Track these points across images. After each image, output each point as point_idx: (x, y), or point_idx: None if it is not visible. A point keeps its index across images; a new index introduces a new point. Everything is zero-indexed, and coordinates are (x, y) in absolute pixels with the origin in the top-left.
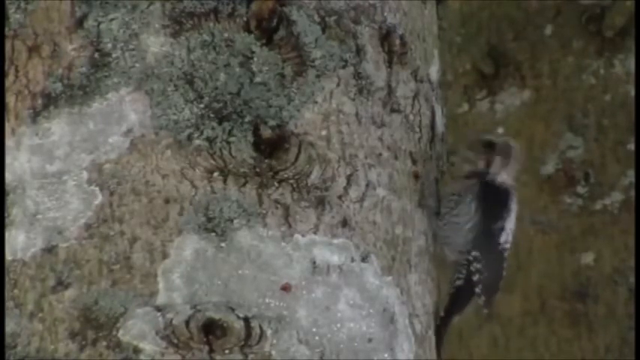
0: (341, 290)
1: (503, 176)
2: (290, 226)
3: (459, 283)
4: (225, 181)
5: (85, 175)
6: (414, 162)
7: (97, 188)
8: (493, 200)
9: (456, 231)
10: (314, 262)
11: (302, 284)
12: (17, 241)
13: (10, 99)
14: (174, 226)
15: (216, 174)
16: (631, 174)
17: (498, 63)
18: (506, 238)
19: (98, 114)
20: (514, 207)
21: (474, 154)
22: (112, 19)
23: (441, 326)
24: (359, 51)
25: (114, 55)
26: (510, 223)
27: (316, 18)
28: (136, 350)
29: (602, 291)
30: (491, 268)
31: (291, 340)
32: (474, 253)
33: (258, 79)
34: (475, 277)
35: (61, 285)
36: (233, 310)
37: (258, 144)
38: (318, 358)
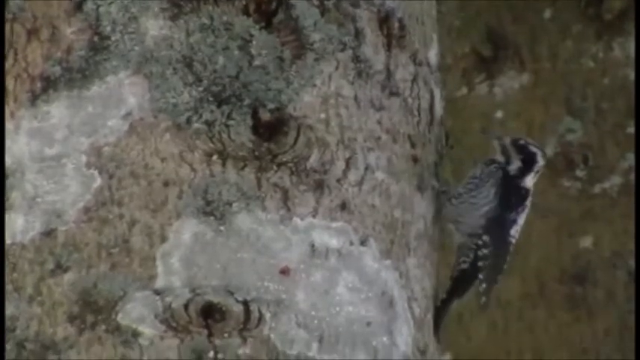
0: (340, 274)
1: (526, 181)
2: (289, 209)
3: (464, 266)
4: (224, 165)
5: (83, 158)
6: (413, 145)
7: (95, 171)
8: (512, 191)
9: (470, 212)
10: (313, 246)
11: (301, 268)
12: (16, 224)
13: (9, 82)
14: (173, 210)
15: (215, 157)
16: (630, 157)
17: (497, 46)
18: (516, 231)
19: (97, 97)
20: (528, 206)
21: (499, 146)
22: (110, 3)
23: (441, 309)
24: (358, 34)
25: (113, 39)
26: (522, 220)
27: (315, 1)
28: (135, 334)
29: (601, 274)
30: (496, 257)
31: (290, 324)
32: (484, 238)
33: (257, 63)
34: (481, 263)
35: (60, 268)
36: (232, 293)
37: (257, 127)
38: (316, 341)
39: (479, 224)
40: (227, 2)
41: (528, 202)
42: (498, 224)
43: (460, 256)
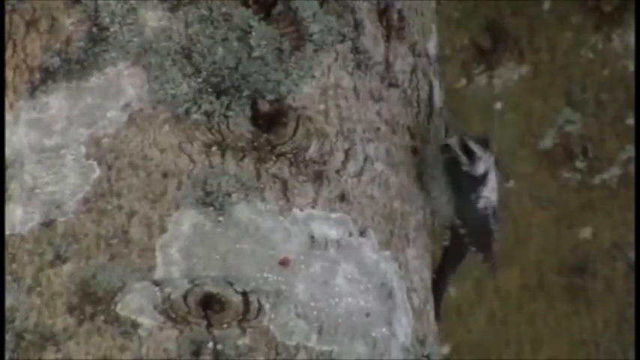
0: (339, 265)
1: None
2: (288, 200)
3: (445, 243)
4: (223, 156)
5: (83, 149)
6: (412, 136)
7: (94, 162)
8: (462, 173)
9: (439, 206)
10: (312, 237)
11: (300, 258)
12: (15, 215)
13: (8, 73)
14: (172, 201)
15: (214, 148)
16: (629, 149)
17: (496, 38)
18: (486, 203)
19: (96, 88)
20: (492, 177)
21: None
22: None
23: (437, 286)
24: (357, 25)
25: (112, 30)
26: (487, 191)
27: None
28: (134, 324)
29: (600, 266)
30: (476, 231)
31: (289, 315)
32: (457, 221)
33: (256, 54)
34: (464, 240)
35: (59, 259)
36: (231, 284)
37: (256, 118)
38: (315, 332)
39: (451, 213)
40: None
41: (491, 175)
42: (464, 207)
43: (442, 234)
